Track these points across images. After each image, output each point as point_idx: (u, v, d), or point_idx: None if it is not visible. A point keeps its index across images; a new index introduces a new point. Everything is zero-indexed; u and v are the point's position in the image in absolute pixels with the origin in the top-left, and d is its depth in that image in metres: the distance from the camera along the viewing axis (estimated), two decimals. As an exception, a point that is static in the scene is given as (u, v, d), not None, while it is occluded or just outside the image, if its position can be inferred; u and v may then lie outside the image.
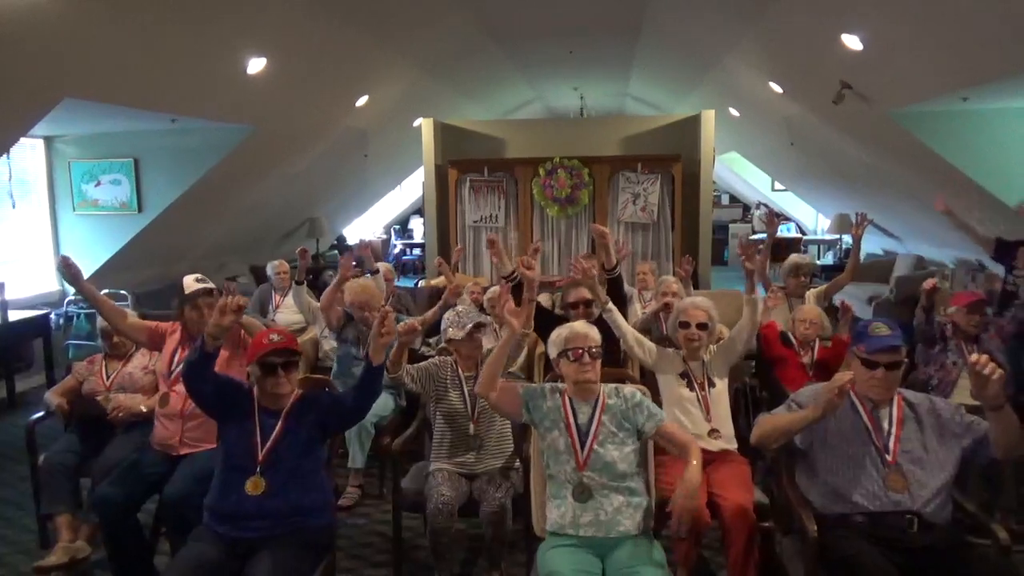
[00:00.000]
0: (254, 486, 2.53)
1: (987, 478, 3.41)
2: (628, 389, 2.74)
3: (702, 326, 3.40)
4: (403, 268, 13.26)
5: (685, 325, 3.42)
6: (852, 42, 5.14)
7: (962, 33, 4.36)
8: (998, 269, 5.83)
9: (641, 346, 3.48)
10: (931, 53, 4.81)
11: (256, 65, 5.46)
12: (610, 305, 3.47)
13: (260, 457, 2.57)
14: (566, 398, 2.66)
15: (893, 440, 2.53)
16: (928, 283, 3.85)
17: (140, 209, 6.91)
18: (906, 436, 2.53)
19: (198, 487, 2.77)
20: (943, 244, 8.17)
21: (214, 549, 2.47)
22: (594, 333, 2.71)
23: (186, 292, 3.41)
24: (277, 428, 2.62)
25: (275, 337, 2.65)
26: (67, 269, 3.21)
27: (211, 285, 3.55)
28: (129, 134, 6.73)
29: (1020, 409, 3.76)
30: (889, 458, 2.50)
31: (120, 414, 3.44)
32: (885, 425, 2.56)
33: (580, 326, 2.73)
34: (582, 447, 2.57)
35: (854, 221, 4.61)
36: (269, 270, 6.09)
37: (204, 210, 7.37)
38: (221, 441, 2.71)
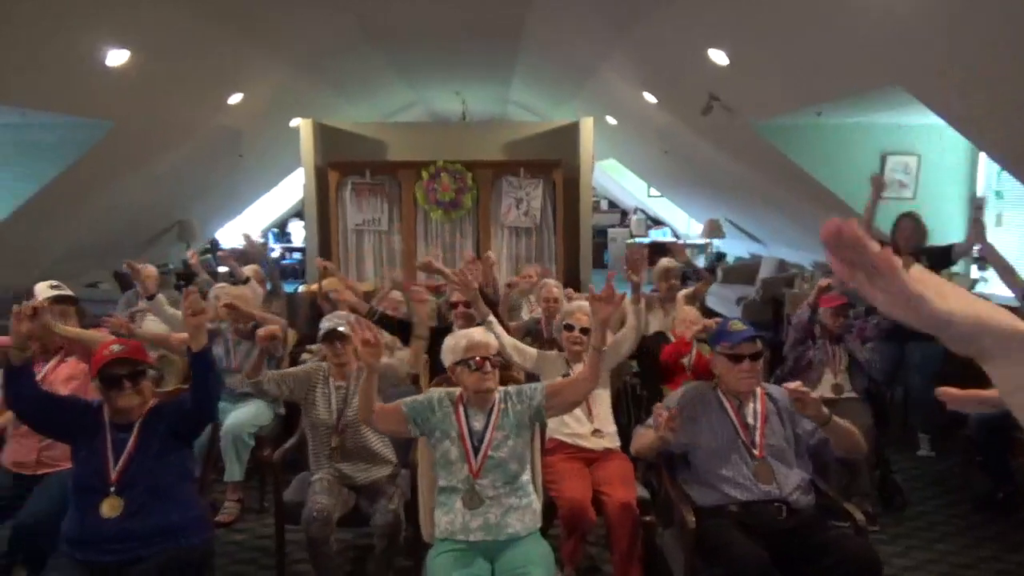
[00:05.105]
0: (110, 507, 2.37)
1: (845, 465, 3.68)
2: (516, 387, 2.75)
3: (586, 330, 3.47)
4: (282, 273, 12.80)
5: (570, 328, 3.49)
6: (719, 57, 5.43)
7: (816, 54, 4.71)
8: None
9: (520, 353, 3.51)
10: (789, 71, 5.16)
11: (117, 58, 5.13)
12: (491, 318, 3.48)
13: (113, 476, 2.40)
14: (459, 406, 2.62)
15: (759, 435, 2.70)
16: (823, 281, 4.09)
17: (-15, 210, 6.32)
18: (770, 431, 2.71)
19: (56, 511, 2.57)
20: (802, 248, 8.77)
21: (77, 577, 2.30)
22: (492, 340, 2.70)
23: (38, 299, 3.17)
24: (130, 443, 2.46)
25: (116, 348, 2.49)
26: None
27: (67, 292, 3.32)
28: (-29, 128, 6.16)
29: (874, 401, 4.12)
30: (756, 452, 2.66)
31: None
32: (751, 420, 2.73)
33: (478, 334, 2.71)
34: (476, 454, 2.55)
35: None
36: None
37: (59, 212, 6.84)
38: (72, 463, 2.52)
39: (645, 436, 2.79)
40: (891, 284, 0.74)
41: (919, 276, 0.75)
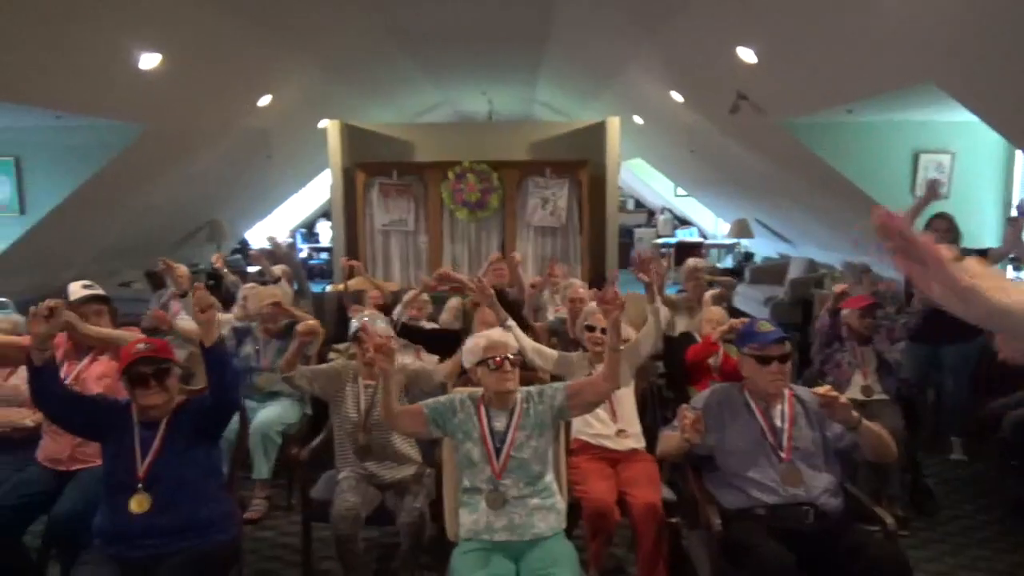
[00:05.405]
0: (138, 504, 2.41)
1: (874, 468, 3.63)
2: (538, 387, 2.75)
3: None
4: (310, 273, 12.91)
5: (591, 328, 3.48)
6: (747, 55, 5.37)
7: (846, 52, 4.64)
8: (884, 271, 6.22)
9: (541, 355, 3.50)
10: (819, 69, 5.09)
11: (149, 61, 5.21)
12: (510, 322, 3.48)
13: (141, 473, 2.45)
14: (481, 407, 2.63)
15: (786, 438, 2.66)
16: (839, 287, 4.06)
17: (22, 211, 6.46)
18: (798, 434, 2.68)
19: (90, 505, 2.62)
20: (830, 248, 8.65)
21: (107, 571, 2.34)
22: (511, 340, 2.71)
23: (71, 299, 3.24)
24: (156, 440, 2.50)
25: (142, 346, 2.53)
26: None
27: (100, 292, 3.38)
28: (8, 130, 6.29)
29: (905, 403, 4.06)
30: (783, 455, 2.63)
31: (6, 430, 3.22)
32: (778, 423, 2.70)
33: (497, 334, 2.73)
34: (498, 455, 2.55)
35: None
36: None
37: (94, 212, 6.98)
38: (103, 460, 2.57)
39: (670, 438, 2.78)
40: (939, 275, 0.73)
41: (974, 269, 0.74)
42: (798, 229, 9.47)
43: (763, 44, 5.22)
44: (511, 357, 2.62)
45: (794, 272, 8.88)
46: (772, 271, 9.56)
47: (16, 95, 4.90)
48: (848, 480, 2.81)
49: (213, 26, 5.37)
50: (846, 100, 5.38)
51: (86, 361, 3.21)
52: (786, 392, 2.76)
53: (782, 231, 10.08)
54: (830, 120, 6.08)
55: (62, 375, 3.09)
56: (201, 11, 5.07)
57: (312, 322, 3.27)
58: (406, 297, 4.84)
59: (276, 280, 5.42)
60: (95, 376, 3.15)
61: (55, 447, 3.00)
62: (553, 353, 3.54)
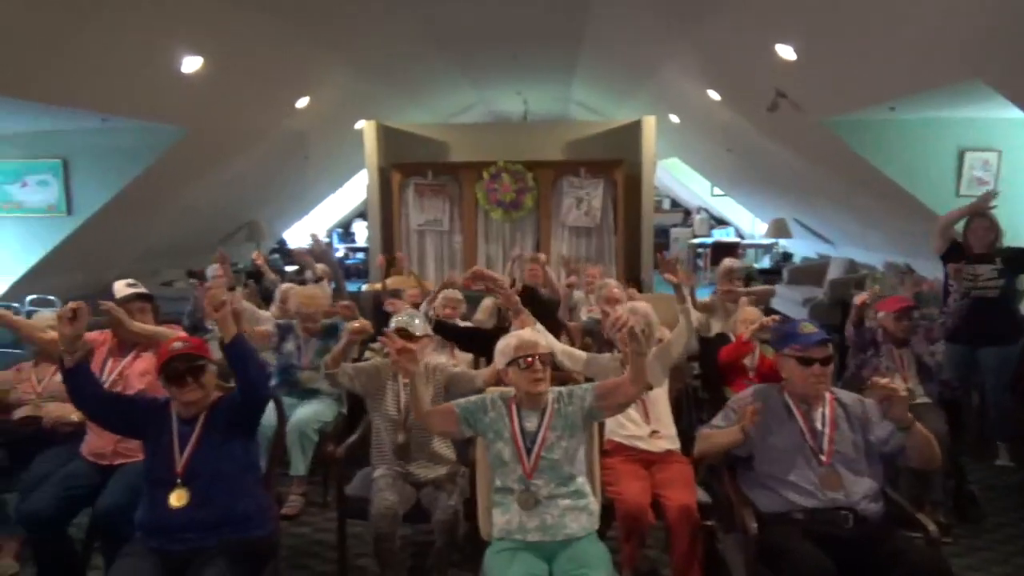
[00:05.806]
0: (178, 498, 2.46)
1: (916, 474, 3.54)
2: (568, 388, 2.74)
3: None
4: (346, 272, 13.05)
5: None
6: (786, 52, 5.29)
7: (889, 48, 4.55)
8: (927, 271, 6.08)
9: (570, 358, 3.48)
10: (860, 65, 4.99)
11: (191, 64, 5.32)
12: (538, 326, 3.47)
13: (179, 468, 2.50)
14: (512, 406, 2.64)
15: (827, 441, 2.62)
16: (859, 299, 3.98)
17: (69, 212, 6.64)
18: (839, 438, 2.63)
19: (132, 498, 2.68)
20: (872, 248, 8.48)
21: (148, 564, 2.39)
22: (542, 339, 2.72)
23: (116, 297, 3.31)
24: (194, 436, 2.55)
25: (178, 344, 2.58)
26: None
27: (143, 290, 3.46)
28: (57, 133, 6.47)
29: (947, 406, 3.95)
30: (824, 458, 2.59)
31: (52, 425, 3.31)
32: (819, 426, 2.66)
33: (528, 334, 2.73)
34: (529, 454, 2.55)
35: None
36: (209, 272, 5.93)
37: (137, 213, 7.14)
38: (144, 455, 2.63)
39: (719, 434, 2.74)
40: None
41: None
42: (838, 229, 9.30)
43: (802, 41, 5.14)
44: (541, 355, 2.61)
45: (834, 273, 8.72)
46: (811, 271, 9.39)
47: (64, 98, 5.03)
48: (889, 485, 2.75)
49: (253, 29, 5.46)
50: (889, 98, 5.27)
51: (130, 358, 3.29)
52: (827, 395, 2.72)
53: (821, 231, 9.91)
54: (872, 118, 5.96)
55: (107, 371, 3.18)
56: (241, 14, 5.16)
57: (364, 321, 3.31)
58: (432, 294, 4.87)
59: (319, 279, 5.49)
60: (138, 372, 3.22)
61: (99, 442, 3.08)
62: (582, 355, 3.52)
